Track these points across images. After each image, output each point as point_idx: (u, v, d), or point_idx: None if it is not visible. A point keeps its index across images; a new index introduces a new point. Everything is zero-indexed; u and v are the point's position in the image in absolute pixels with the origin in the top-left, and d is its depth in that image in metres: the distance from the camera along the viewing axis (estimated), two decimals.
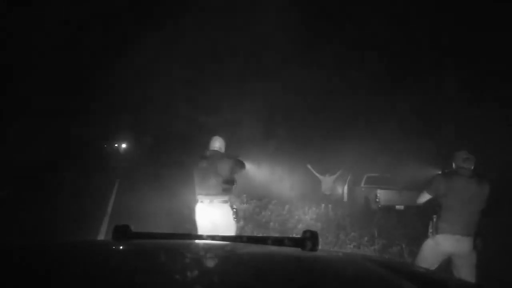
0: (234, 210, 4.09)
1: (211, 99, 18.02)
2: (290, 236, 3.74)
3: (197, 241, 1.29)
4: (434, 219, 3.39)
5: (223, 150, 4.22)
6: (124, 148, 42.26)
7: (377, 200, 12.01)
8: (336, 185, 11.76)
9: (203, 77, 18.59)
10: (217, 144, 4.21)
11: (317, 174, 10.74)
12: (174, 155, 20.34)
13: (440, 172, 3.61)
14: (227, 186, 4.04)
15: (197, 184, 4.15)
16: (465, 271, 3.26)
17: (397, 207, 11.67)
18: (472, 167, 3.33)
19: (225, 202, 4.05)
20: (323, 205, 10.02)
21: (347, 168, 12.72)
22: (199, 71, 18.19)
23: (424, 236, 3.50)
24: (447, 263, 3.46)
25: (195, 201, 4.20)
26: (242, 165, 4.19)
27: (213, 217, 4.05)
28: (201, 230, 4.13)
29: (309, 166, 10.88)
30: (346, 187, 14.54)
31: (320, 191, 10.83)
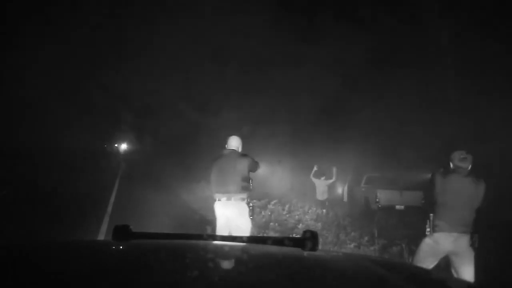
0: (251, 207, 4.19)
1: (212, 99, 18.03)
2: (290, 236, 3.75)
3: (197, 241, 1.29)
4: (431, 218, 3.43)
5: (240, 149, 4.35)
6: (124, 148, 42.30)
7: (377, 200, 12.01)
8: (331, 190, 10.83)
9: (204, 77, 18.61)
10: (235, 143, 4.34)
11: (313, 178, 9.93)
12: (174, 155, 20.36)
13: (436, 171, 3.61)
14: (245, 184, 4.15)
15: (215, 182, 4.21)
16: (464, 270, 3.29)
17: (397, 207, 11.67)
18: (469, 167, 3.38)
19: (243, 199, 4.13)
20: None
21: (343, 168, 12.59)
22: (201, 70, 18.21)
23: (423, 235, 3.52)
24: (447, 262, 3.48)
25: (213, 200, 4.28)
26: (258, 164, 4.34)
27: (230, 215, 4.14)
28: (219, 227, 4.24)
29: (315, 168, 9.95)
30: (346, 187, 14.54)
31: (314, 196, 10.02)
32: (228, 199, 4.11)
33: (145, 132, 29.33)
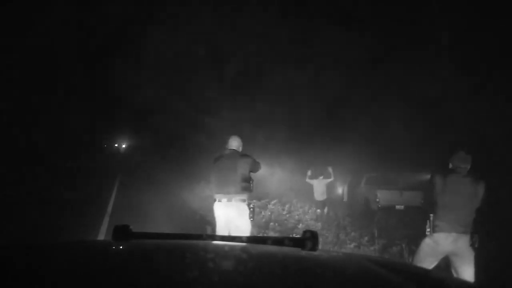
0: (251, 209, 4.13)
1: (212, 100, 18.03)
2: (290, 236, 3.75)
3: (197, 241, 1.29)
4: (431, 218, 3.44)
5: (240, 149, 4.31)
6: (124, 148, 42.38)
7: (377, 200, 12.01)
8: (331, 190, 10.51)
9: (203, 76, 18.62)
10: (235, 143, 4.30)
11: (308, 180, 9.62)
12: (175, 154, 20.36)
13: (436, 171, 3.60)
14: (246, 185, 4.10)
15: (215, 183, 4.17)
16: (464, 270, 3.30)
17: (397, 207, 11.68)
18: (469, 167, 3.39)
19: (243, 200, 4.08)
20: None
21: (343, 169, 12.53)
22: (200, 70, 18.21)
23: (423, 235, 3.52)
24: (447, 263, 3.48)
25: (213, 200, 4.23)
26: (259, 165, 4.29)
27: (230, 216, 4.09)
28: (218, 228, 4.20)
29: (309, 172, 9.65)
30: (346, 187, 14.55)
31: (312, 197, 9.70)
32: (229, 200, 4.06)
33: (145, 132, 29.37)
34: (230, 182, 4.05)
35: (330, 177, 9.66)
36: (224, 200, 4.08)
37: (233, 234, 4.05)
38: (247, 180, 4.12)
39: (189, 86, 18.94)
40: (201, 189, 11.44)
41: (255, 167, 4.20)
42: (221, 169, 4.14)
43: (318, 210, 9.39)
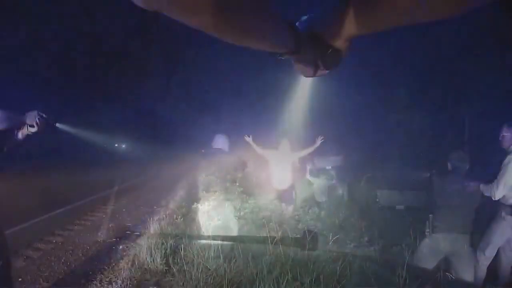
0: (238, 208, 4.11)
1: (211, 97, 18.03)
2: (290, 236, 3.74)
3: (197, 240, 1.30)
4: (431, 219, 3.44)
5: (226, 148, 4.29)
6: (124, 147, 42.33)
7: (377, 200, 11.99)
8: (331, 192, 10.25)
9: (202, 75, 18.62)
10: (221, 142, 4.29)
11: (310, 178, 9.36)
12: (174, 153, 20.36)
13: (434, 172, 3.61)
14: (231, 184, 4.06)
15: (201, 181, 4.19)
16: (464, 270, 3.30)
17: (397, 207, 11.66)
18: (467, 167, 3.40)
19: (229, 199, 4.10)
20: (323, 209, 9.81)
21: (343, 168, 12.51)
22: (199, 69, 18.21)
23: (423, 235, 3.52)
24: (447, 263, 3.48)
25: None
26: (245, 164, 4.24)
27: (217, 215, 4.08)
28: (205, 228, 4.15)
29: (308, 167, 9.38)
30: (346, 187, 14.51)
31: (312, 197, 9.43)
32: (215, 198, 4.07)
33: (145, 131, 29.38)
34: (215, 181, 4.07)
35: (331, 179, 9.62)
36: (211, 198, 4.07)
37: (219, 233, 4.03)
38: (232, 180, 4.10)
39: (188, 84, 18.94)
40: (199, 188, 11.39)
41: (241, 167, 4.17)
42: (206, 167, 4.15)
43: (317, 210, 9.33)
